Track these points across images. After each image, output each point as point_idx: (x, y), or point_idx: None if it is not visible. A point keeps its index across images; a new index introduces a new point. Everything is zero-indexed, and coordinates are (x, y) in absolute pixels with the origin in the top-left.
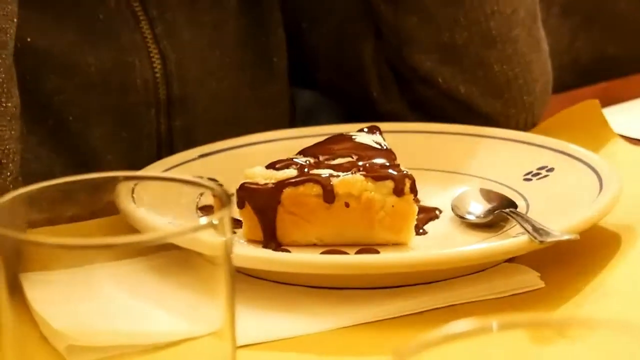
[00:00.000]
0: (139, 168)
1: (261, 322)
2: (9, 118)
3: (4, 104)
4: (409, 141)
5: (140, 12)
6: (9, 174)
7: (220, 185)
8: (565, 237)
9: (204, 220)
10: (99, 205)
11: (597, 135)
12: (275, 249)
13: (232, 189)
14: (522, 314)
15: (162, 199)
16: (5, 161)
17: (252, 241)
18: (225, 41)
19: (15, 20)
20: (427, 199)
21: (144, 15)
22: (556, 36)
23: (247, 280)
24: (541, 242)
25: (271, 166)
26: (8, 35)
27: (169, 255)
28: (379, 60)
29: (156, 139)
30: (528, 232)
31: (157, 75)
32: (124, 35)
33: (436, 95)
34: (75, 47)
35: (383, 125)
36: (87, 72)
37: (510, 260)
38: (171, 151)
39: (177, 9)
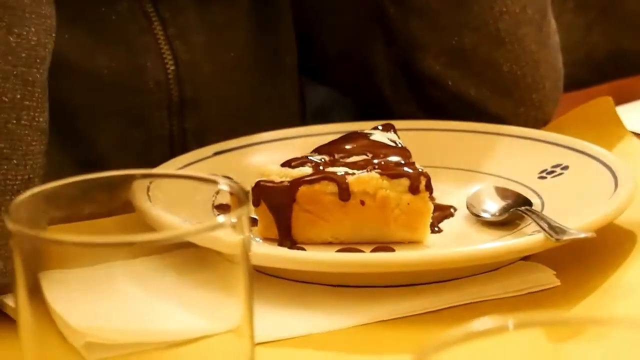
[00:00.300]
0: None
1: (278, 319)
2: (39, 133)
3: (37, 119)
4: (423, 139)
5: (153, 13)
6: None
7: (237, 183)
8: (582, 235)
9: (222, 218)
10: (117, 203)
11: (610, 132)
12: (290, 247)
13: (247, 187)
14: (540, 312)
15: (177, 197)
16: (32, 175)
17: (267, 239)
18: (236, 41)
19: (53, 35)
20: (442, 197)
21: (156, 17)
22: (570, 31)
23: (262, 278)
24: (557, 240)
25: (286, 164)
26: (47, 50)
27: (187, 254)
28: (390, 62)
29: (169, 140)
30: (544, 230)
31: (170, 76)
32: (136, 37)
33: (446, 97)
34: (87, 48)
35: (397, 123)
36: (99, 73)
37: (525, 258)
38: (184, 152)
39: (189, 10)
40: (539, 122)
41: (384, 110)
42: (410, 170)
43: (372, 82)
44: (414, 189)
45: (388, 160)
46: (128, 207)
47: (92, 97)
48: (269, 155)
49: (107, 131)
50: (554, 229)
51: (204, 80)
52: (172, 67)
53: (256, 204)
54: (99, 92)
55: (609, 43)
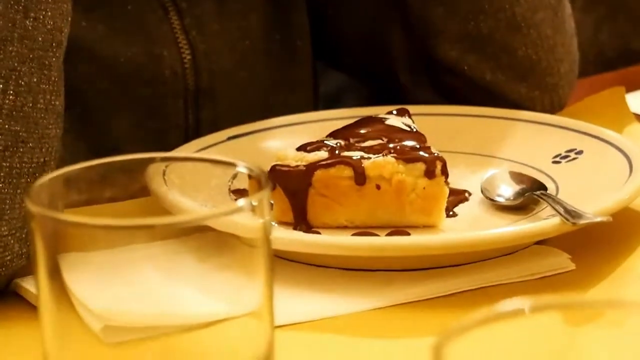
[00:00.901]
0: None
1: (295, 303)
2: (55, 116)
3: (53, 102)
4: (437, 124)
5: (169, 2)
6: (50, 171)
7: (256, 166)
8: (598, 219)
9: (243, 202)
10: (136, 187)
11: (621, 121)
12: (306, 231)
13: None
14: (558, 295)
15: (193, 180)
16: (47, 159)
17: (282, 223)
18: (252, 29)
19: (69, 19)
20: (456, 181)
21: (172, 6)
22: (579, 30)
23: (277, 262)
24: (574, 224)
25: (302, 148)
26: (63, 34)
27: (207, 237)
28: (407, 47)
29: (184, 129)
30: (560, 214)
31: (186, 66)
32: (152, 26)
33: (462, 83)
34: (104, 37)
35: (411, 108)
36: (116, 62)
37: (540, 242)
38: None
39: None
40: (555, 107)
41: (398, 96)
42: (426, 155)
43: (387, 68)
44: (429, 173)
45: (403, 145)
46: (147, 190)
47: (108, 86)
48: (283, 139)
49: (122, 120)
50: (570, 213)
51: (220, 69)
52: (189, 57)
53: (272, 188)
54: (115, 80)
55: (619, 41)
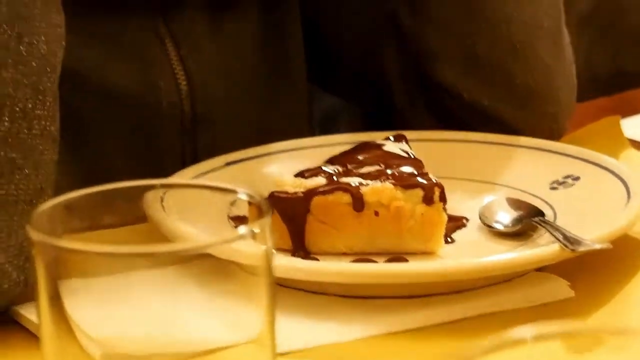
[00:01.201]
0: None
1: (295, 330)
2: (51, 141)
3: (48, 128)
4: (433, 150)
5: (165, 33)
6: (46, 198)
7: (256, 194)
8: (598, 246)
9: (244, 229)
10: (137, 213)
11: (616, 149)
12: (304, 258)
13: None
14: (559, 322)
15: (192, 207)
16: (44, 185)
17: (280, 249)
18: (247, 55)
19: (63, 43)
20: (454, 207)
21: (169, 36)
22: (572, 51)
23: (277, 289)
24: (573, 250)
25: (300, 175)
26: (57, 58)
27: (207, 264)
28: (405, 72)
29: (180, 158)
30: (559, 240)
31: (183, 95)
32: (149, 56)
33: (460, 108)
34: (101, 66)
35: (408, 134)
36: (112, 90)
37: (538, 269)
38: None
39: (201, 25)
40: (554, 134)
41: (392, 118)
42: (425, 181)
43: (383, 92)
44: (428, 200)
45: (401, 171)
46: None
47: (104, 114)
48: (281, 165)
49: (118, 148)
50: (569, 240)
51: (216, 97)
52: (186, 87)
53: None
54: (111, 109)
55: (611, 63)
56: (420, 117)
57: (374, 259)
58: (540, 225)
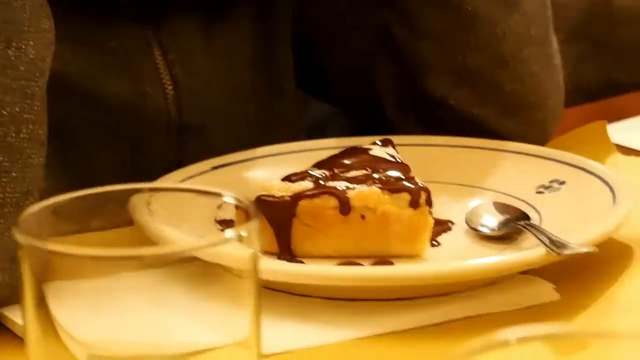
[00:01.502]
0: None
1: (281, 332)
2: (39, 145)
3: (36, 132)
4: (420, 154)
5: (153, 38)
6: (33, 201)
7: (243, 197)
8: (584, 250)
9: (231, 232)
10: (124, 217)
11: (603, 154)
12: (289, 261)
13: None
14: (544, 325)
15: (178, 211)
16: (31, 188)
17: (267, 253)
18: (237, 65)
19: (52, 48)
20: (440, 211)
21: (156, 42)
22: (562, 62)
23: (263, 291)
24: (559, 254)
25: (287, 179)
26: (46, 63)
27: (194, 267)
28: (396, 84)
29: (167, 164)
30: (545, 244)
31: (169, 101)
32: (136, 62)
33: (451, 118)
34: (88, 73)
35: (395, 139)
36: (99, 97)
37: (524, 272)
38: None
39: (191, 35)
40: (541, 141)
41: (383, 128)
42: (411, 185)
43: (374, 102)
44: (414, 204)
45: (388, 175)
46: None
47: (91, 120)
48: (268, 170)
49: (105, 154)
50: (555, 244)
51: (204, 105)
52: (172, 93)
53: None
54: (98, 115)
55: (601, 75)
56: (412, 127)
57: (359, 262)
58: (526, 228)
